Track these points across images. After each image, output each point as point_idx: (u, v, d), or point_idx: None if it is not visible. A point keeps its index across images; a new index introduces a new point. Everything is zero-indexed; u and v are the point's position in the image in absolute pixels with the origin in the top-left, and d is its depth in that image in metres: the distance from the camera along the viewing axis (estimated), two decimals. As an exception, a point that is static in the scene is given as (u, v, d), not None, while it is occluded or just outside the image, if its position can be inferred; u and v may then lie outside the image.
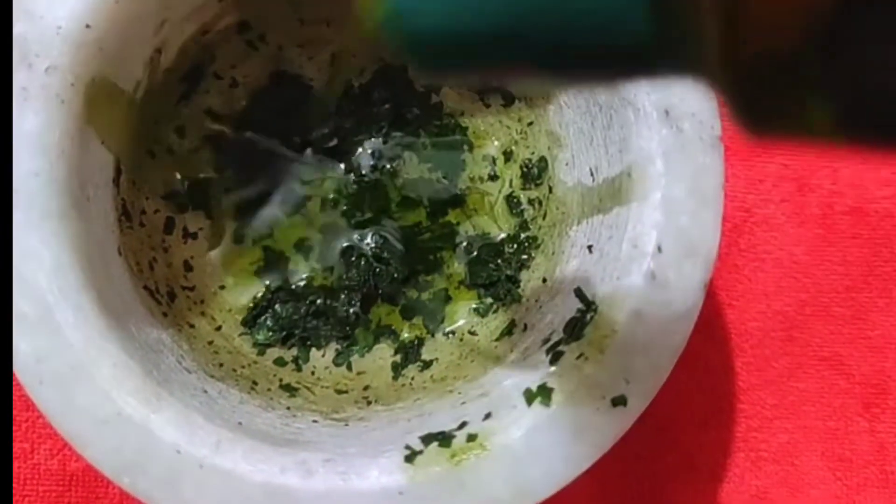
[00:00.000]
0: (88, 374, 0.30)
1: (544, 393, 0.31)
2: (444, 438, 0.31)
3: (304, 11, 0.40)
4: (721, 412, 0.46)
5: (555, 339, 0.33)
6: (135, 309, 0.34)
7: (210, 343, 0.38)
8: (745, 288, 0.47)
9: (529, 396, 0.31)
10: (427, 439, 0.31)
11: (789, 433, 0.45)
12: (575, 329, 0.32)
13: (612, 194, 0.34)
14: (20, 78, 0.30)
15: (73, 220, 0.31)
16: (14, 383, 0.39)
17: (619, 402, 0.30)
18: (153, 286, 0.37)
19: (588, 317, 0.32)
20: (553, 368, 0.31)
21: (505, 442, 0.30)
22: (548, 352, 0.33)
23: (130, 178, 0.37)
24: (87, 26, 0.31)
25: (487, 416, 0.31)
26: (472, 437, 0.30)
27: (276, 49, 0.41)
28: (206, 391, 0.33)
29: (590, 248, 0.35)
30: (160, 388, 0.30)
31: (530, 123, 0.41)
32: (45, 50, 0.30)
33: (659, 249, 0.31)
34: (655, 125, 0.31)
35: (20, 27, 0.30)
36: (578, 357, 0.31)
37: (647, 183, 0.31)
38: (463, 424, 0.31)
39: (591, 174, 0.37)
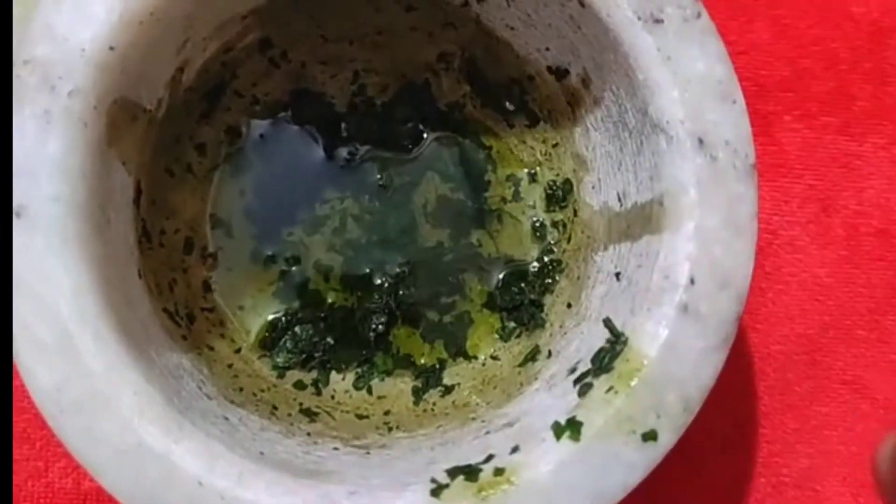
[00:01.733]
0: (109, 403, 0.29)
1: (573, 427, 0.30)
2: (470, 472, 0.30)
3: (327, 29, 0.39)
4: (743, 436, 0.45)
5: (582, 368, 0.33)
6: (155, 333, 0.34)
7: (230, 366, 0.37)
8: (769, 311, 0.46)
9: (558, 430, 0.30)
10: (453, 473, 0.30)
11: (811, 458, 0.45)
12: (604, 361, 0.32)
13: (641, 222, 0.33)
14: (42, 101, 0.29)
15: (94, 244, 0.30)
16: (23, 398, 0.39)
17: (649, 437, 0.30)
18: (173, 308, 0.37)
19: (617, 348, 0.31)
20: (582, 401, 0.31)
21: (533, 477, 0.29)
22: (575, 382, 0.32)
23: (150, 199, 0.37)
24: (111, 48, 0.30)
25: (515, 449, 0.30)
26: (499, 472, 0.30)
27: (299, 66, 0.41)
28: (226, 418, 0.33)
29: (617, 275, 0.35)
30: (182, 416, 0.30)
31: (555, 145, 0.40)
32: (69, 73, 0.30)
33: (692, 282, 0.30)
34: (689, 154, 0.31)
35: (43, 49, 0.30)
36: (608, 391, 0.30)
37: (679, 213, 0.31)
38: (490, 457, 0.30)
39: (619, 199, 0.36)
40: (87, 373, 0.29)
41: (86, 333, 0.29)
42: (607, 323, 0.32)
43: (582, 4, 0.32)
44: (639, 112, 0.33)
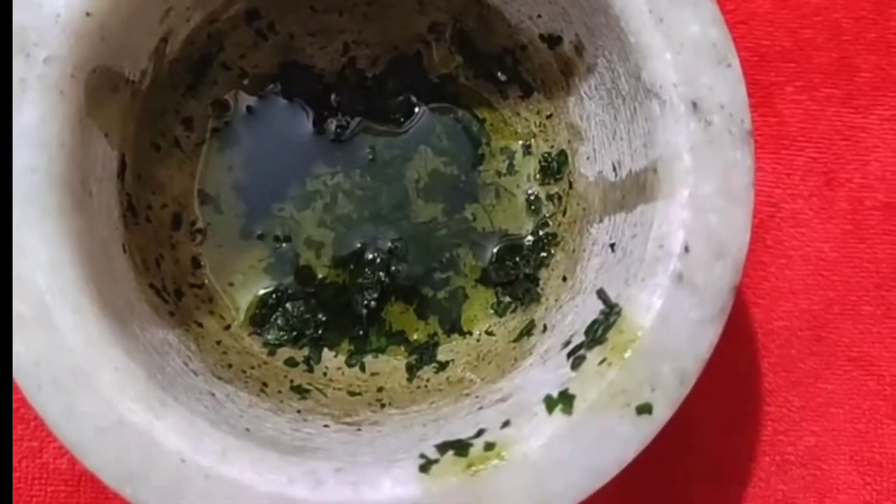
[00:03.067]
0: (89, 379, 0.28)
1: (566, 400, 0.29)
2: (460, 447, 0.29)
3: (316, -2, 0.39)
4: (746, 414, 0.44)
5: (576, 341, 0.32)
6: (139, 308, 0.33)
7: (218, 343, 0.37)
8: (772, 286, 0.45)
9: (550, 404, 0.29)
10: (443, 448, 0.29)
11: (816, 436, 0.44)
12: (597, 332, 0.31)
13: (636, 191, 0.32)
14: (18, 68, 0.29)
15: (74, 217, 0.30)
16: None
17: (643, 410, 0.29)
18: (160, 284, 0.36)
19: (611, 319, 0.30)
20: (574, 374, 0.30)
21: (524, 451, 0.29)
22: (569, 356, 0.31)
23: (136, 173, 0.36)
24: (88, 14, 0.29)
25: (506, 423, 0.29)
26: (489, 446, 0.29)
27: (287, 38, 0.40)
28: (213, 394, 0.32)
29: (612, 246, 0.34)
30: (164, 392, 0.29)
31: (549, 116, 0.39)
32: (44, 39, 0.29)
33: (686, 250, 0.29)
34: (683, 118, 0.30)
35: (17, 15, 0.29)
36: (601, 362, 0.29)
37: (673, 180, 0.30)
38: (480, 432, 0.30)
39: (614, 169, 0.35)
40: (67, 348, 0.28)
41: (65, 308, 0.29)
42: (601, 294, 0.32)
43: (572, -33, 0.31)
44: (632, 77, 0.32)
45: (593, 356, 0.30)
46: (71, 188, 0.30)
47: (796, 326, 0.44)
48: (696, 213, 0.29)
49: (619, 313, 0.30)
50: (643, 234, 0.31)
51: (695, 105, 0.30)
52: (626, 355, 0.29)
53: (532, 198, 0.40)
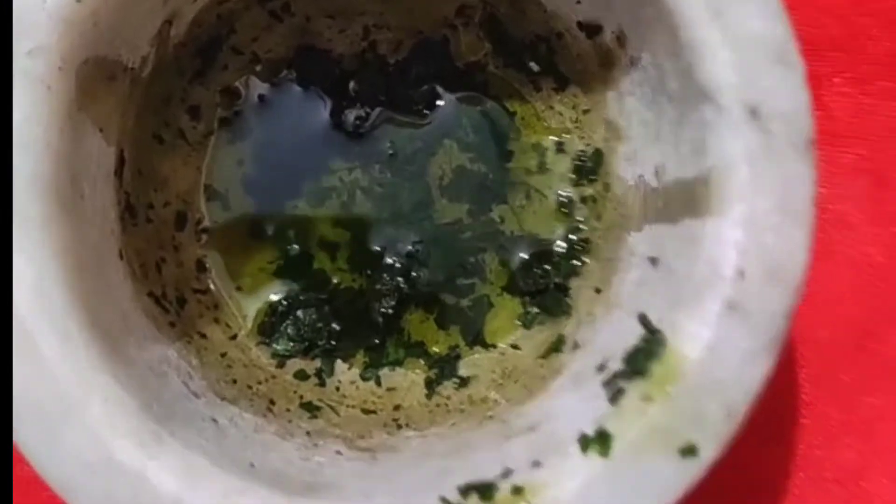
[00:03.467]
0: (76, 412, 0.26)
1: (602, 440, 0.26)
2: (485, 490, 0.26)
3: (335, -23, 0.36)
4: (782, 428, 0.41)
5: (613, 367, 0.29)
6: (136, 323, 0.30)
7: (223, 355, 0.34)
8: (814, 292, 0.41)
9: (585, 443, 0.26)
10: (466, 491, 0.26)
11: (857, 452, 0.41)
12: (637, 361, 0.28)
13: (682, 201, 0.29)
14: (-1, 61, 0.26)
15: (61, 225, 0.27)
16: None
17: (688, 452, 0.26)
18: (160, 292, 0.33)
19: (653, 349, 0.27)
20: (612, 409, 0.27)
21: (556, 497, 0.26)
22: (605, 385, 0.29)
23: (135, 169, 0.33)
24: (79, 0, 0.26)
25: (536, 463, 0.27)
26: (517, 490, 0.26)
27: (304, 20, 0.37)
28: (215, 420, 0.30)
29: (653, 260, 0.31)
30: (160, 426, 0.26)
31: (586, 111, 0.36)
32: (27, 28, 0.26)
33: (740, 274, 0.26)
34: (740, 126, 0.27)
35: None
36: (642, 398, 0.27)
37: (727, 194, 0.27)
38: (507, 473, 0.27)
39: (657, 173, 0.32)
40: (51, 376, 0.26)
41: (49, 331, 0.26)
42: (643, 319, 0.29)
43: (619, -48, 0.28)
44: (682, 76, 0.29)
45: (633, 390, 0.27)
46: (58, 193, 0.27)
47: (839, 336, 0.41)
48: (751, 232, 0.26)
49: (662, 342, 0.27)
50: (690, 253, 0.28)
51: (753, 111, 0.27)
52: (670, 390, 0.26)
53: (564, 200, 0.37)
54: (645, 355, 0.28)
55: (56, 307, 0.26)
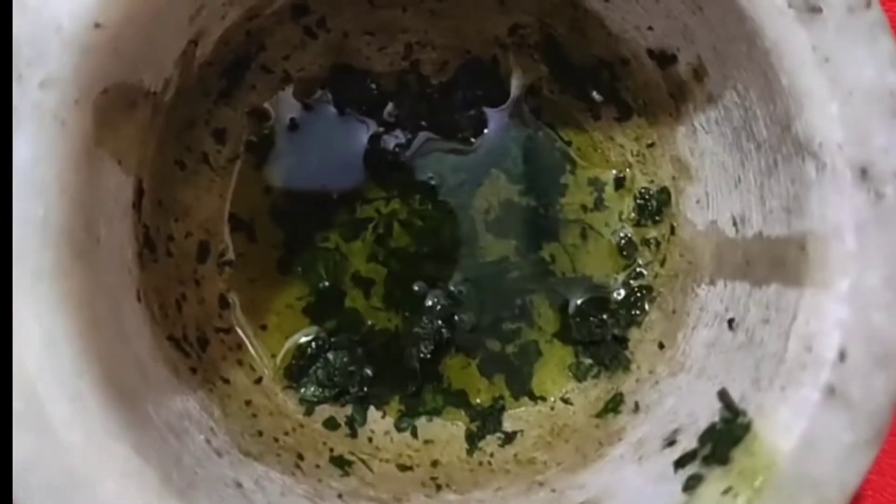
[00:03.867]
0: (89, 487, 0.23)
1: (680, 541, 0.23)
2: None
3: (376, -10, 0.32)
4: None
5: (684, 444, 0.26)
6: (155, 374, 0.27)
7: (248, 403, 0.31)
8: None
9: (658, 541, 0.23)
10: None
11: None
12: (717, 444, 0.25)
13: (769, 262, 0.26)
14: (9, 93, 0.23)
15: (75, 276, 0.24)
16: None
17: (777, 556, 0.23)
18: (180, 334, 0.30)
19: (737, 433, 0.24)
20: (688, 499, 0.24)
21: None
22: (677, 465, 0.26)
23: (155, 199, 0.30)
24: (98, 25, 0.23)
25: (599, 557, 0.24)
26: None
27: (340, 37, 0.33)
28: (239, 484, 0.27)
29: (730, 322, 0.28)
30: (181, 500, 0.23)
31: (651, 145, 0.33)
32: (40, 57, 0.23)
33: (842, 357, 0.23)
34: (847, 188, 0.23)
35: (14, 24, 0.23)
36: (725, 492, 0.24)
37: (830, 265, 0.23)
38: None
39: (735, 223, 0.29)
40: (63, 448, 0.23)
41: (60, 397, 0.23)
42: (723, 396, 0.26)
43: (710, -19, 0.25)
44: (776, 124, 0.25)
45: (714, 480, 0.24)
46: (72, 239, 0.24)
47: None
48: (857, 309, 0.23)
49: (747, 427, 0.24)
50: (781, 324, 0.25)
51: (864, 172, 0.23)
52: (757, 485, 0.23)
53: (624, 241, 0.34)
54: (726, 439, 0.25)
55: (67, 367, 0.23)
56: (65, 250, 0.24)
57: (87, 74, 0.24)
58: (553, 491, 0.28)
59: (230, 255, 0.33)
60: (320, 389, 0.33)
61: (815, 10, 0.24)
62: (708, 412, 0.26)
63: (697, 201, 0.31)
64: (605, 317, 0.33)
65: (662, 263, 0.33)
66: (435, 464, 0.32)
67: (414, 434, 0.33)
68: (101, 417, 0.23)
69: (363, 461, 0.31)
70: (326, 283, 0.34)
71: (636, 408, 0.30)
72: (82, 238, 0.24)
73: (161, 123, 0.29)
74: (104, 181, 0.26)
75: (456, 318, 0.34)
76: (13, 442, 0.23)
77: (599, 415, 0.31)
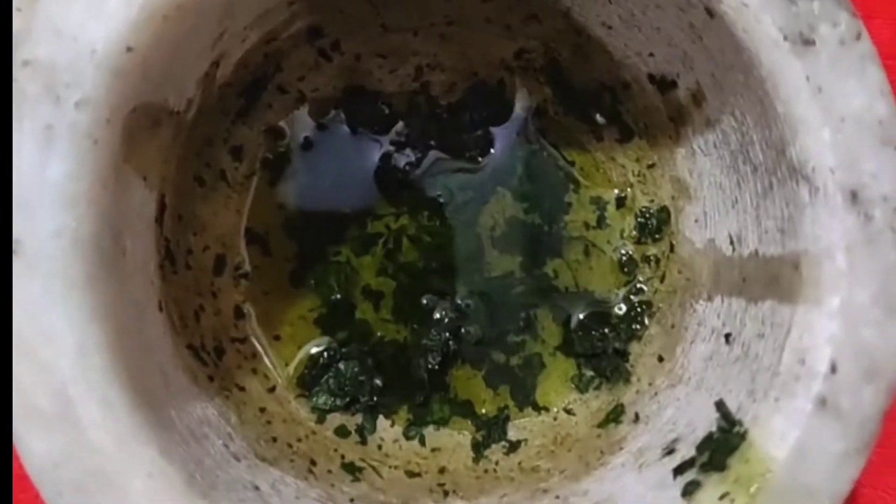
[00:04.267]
0: (117, 487, 0.24)
1: (678, 545, 0.24)
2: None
3: (388, 16, 0.33)
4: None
5: (683, 452, 0.27)
6: (176, 381, 0.28)
7: (262, 410, 0.32)
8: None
9: (658, 546, 0.25)
10: None
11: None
12: (714, 453, 0.26)
13: (764, 280, 0.27)
14: (44, 114, 0.24)
15: (105, 286, 0.25)
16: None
17: (771, 560, 0.24)
18: (198, 343, 0.31)
19: (733, 441, 0.26)
20: (686, 504, 0.25)
21: None
22: (676, 472, 0.27)
23: (176, 214, 0.31)
24: (129, 49, 0.24)
25: (603, 565, 0.25)
26: None
27: (353, 59, 0.35)
28: (257, 487, 0.28)
29: (727, 336, 0.29)
30: (204, 501, 0.25)
31: (651, 165, 0.34)
32: (76, 79, 0.24)
33: (833, 369, 0.24)
34: (838, 210, 0.25)
35: (46, 49, 0.24)
36: (722, 497, 0.25)
37: (822, 283, 0.25)
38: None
39: (732, 242, 0.30)
40: (92, 448, 0.24)
41: (91, 400, 0.24)
42: (720, 407, 0.27)
43: (710, 14, 0.26)
44: (771, 149, 0.27)
45: (711, 486, 0.25)
46: (102, 251, 0.25)
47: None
48: (847, 325, 0.24)
49: (743, 436, 0.25)
50: (776, 339, 0.26)
51: (854, 195, 0.25)
52: (753, 491, 0.25)
53: (625, 258, 0.35)
54: (723, 447, 0.26)
55: (98, 373, 0.24)
56: (95, 262, 0.25)
57: (118, 95, 0.25)
58: (557, 498, 0.30)
59: (246, 267, 0.34)
60: (331, 398, 0.34)
61: (809, 42, 0.25)
62: (706, 422, 0.27)
63: (696, 220, 0.32)
64: (606, 331, 0.34)
65: (662, 280, 0.34)
66: (442, 471, 0.33)
67: (422, 442, 0.34)
68: (129, 421, 0.25)
69: (373, 467, 0.33)
70: (338, 296, 0.35)
71: (636, 418, 0.31)
72: (110, 250, 0.26)
73: (183, 141, 0.31)
74: (130, 196, 0.27)
75: (462, 330, 0.35)
76: (37, 440, 0.24)
77: (601, 425, 0.33)
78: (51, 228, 0.24)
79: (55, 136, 0.24)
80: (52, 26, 0.24)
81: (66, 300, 0.24)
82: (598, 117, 0.35)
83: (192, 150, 0.32)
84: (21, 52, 0.24)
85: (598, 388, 0.34)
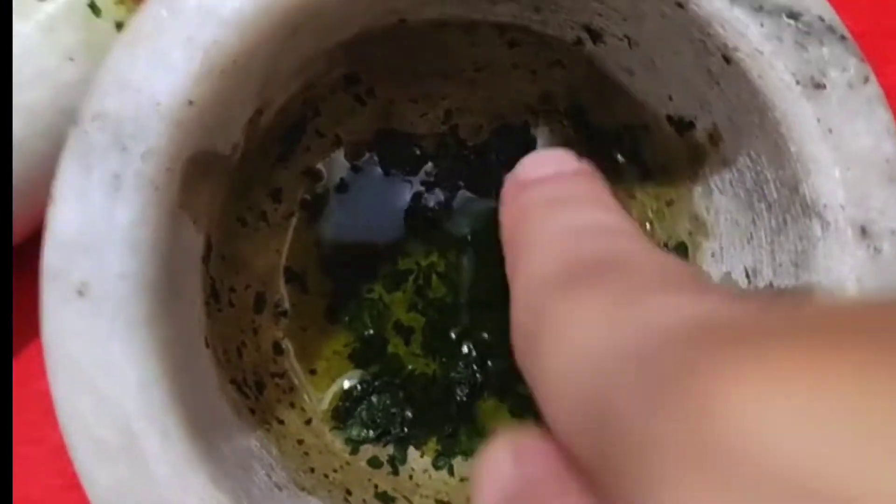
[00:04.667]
0: (174, 516, 0.25)
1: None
2: None
3: (419, 63, 0.35)
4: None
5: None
6: (221, 414, 0.30)
7: (300, 442, 0.34)
8: None
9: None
10: None
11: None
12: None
13: (781, 311, 0.29)
14: (112, 163, 0.26)
15: (163, 324, 0.27)
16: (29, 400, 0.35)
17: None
18: (240, 378, 0.33)
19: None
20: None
21: None
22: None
23: (220, 254, 0.33)
24: (191, 103, 0.26)
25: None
26: None
27: (387, 103, 0.36)
28: (300, 515, 0.29)
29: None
30: (254, 527, 0.26)
31: (669, 202, 0.36)
32: (141, 131, 0.26)
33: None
34: (849, 245, 0.26)
35: (113, 102, 0.26)
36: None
37: (837, 314, 0.26)
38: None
39: (748, 275, 0.32)
40: (151, 479, 0.25)
41: (152, 433, 0.26)
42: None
43: (727, 60, 0.28)
44: (785, 187, 0.28)
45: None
46: (161, 292, 0.27)
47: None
48: (861, 353, 0.26)
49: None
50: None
51: (863, 230, 0.26)
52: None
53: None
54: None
55: (158, 406, 0.26)
56: (154, 302, 0.27)
57: (178, 145, 0.27)
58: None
59: (285, 305, 0.36)
60: (364, 430, 0.35)
61: (820, 86, 0.27)
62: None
63: (712, 255, 0.34)
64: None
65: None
66: (470, 500, 0.34)
67: (451, 472, 0.35)
68: (185, 452, 0.26)
69: (405, 497, 0.34)
70: (371, 331, 0.36)
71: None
72: (167, 291, 0.27)
73: (227, 184, 0.32)
74: (183, 239, 0.29)
75: (489, 363, 0.36)
76: (101, 471, 0.26)
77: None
78: (117, 271, 0.26)
79: (122, 184, 0.26)
80: (118, 79, 0.26)
81: (128, 338, 0.26)
82: (619, 157, 0.36)
83: (236, 192, 0.33)
84: (90, 104, 0.26)
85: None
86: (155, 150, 0.26)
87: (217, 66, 0.26)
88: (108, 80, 0.26)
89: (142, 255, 0.26)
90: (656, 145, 0.35)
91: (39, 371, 0.26)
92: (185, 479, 0.26)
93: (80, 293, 0.25)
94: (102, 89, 0.26)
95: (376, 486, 0.34)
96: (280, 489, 0.30)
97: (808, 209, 0.27)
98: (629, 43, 0.32)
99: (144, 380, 0.26)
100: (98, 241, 0.25)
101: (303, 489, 0.31)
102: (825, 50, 0.27)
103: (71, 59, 0.34)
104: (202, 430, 0.27)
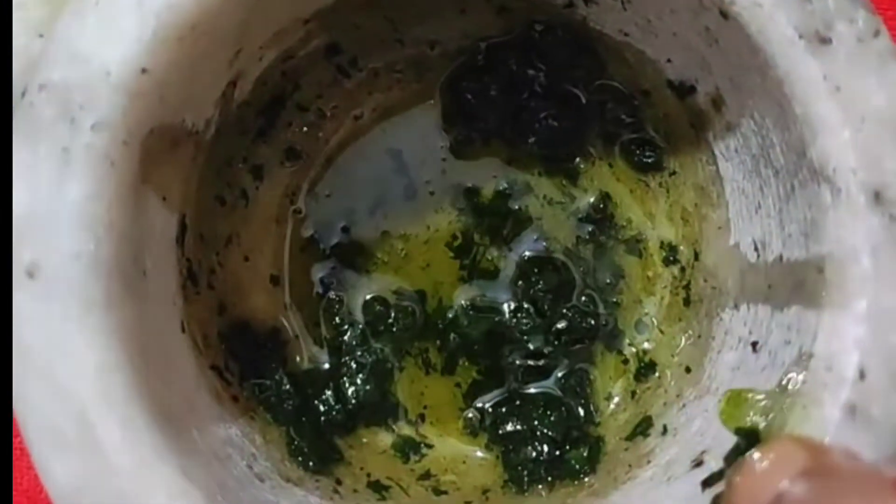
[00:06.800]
0: (138, 509, 0.24)
1: (707, 561, 0.24)
2: None
3: (404, 30, 0.33)
4: None
5: (711, 464, 0.27)
6: (200, 402, 0.29)
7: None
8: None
9: (686, 561, 0.24)
10: None
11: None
12: (741, 463, 0.25)
13: (790, 286, 0.27)
14: (60, 136, 0.24)
15: (125, 306, 0.25)
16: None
17: (801, 571, 0.24)
18: (222, 363, 0.31)
19: (761, 451, 0.25)
20: (715, 518, 0.25)
21: None
22: (704, 485, 0.26)
23: (197, 234, 0.31)
24: (144, 71, 0.24)
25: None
26: None
27: (371, 75, 0.35)
28: (281, 508, 0.28)
29: (754, 345, 0.28)
30: (226, 522, 0.25)
31: (673, 173, 0.34)
32: (91, 101, 0.24)
33: (861, 376, 0.24)
34: (862, 212, 0.24)
35: (61, 72, 0.24)
36: (751, 508, 0.24)
37: (847, 286, 0.24)
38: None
39: (756, 248, 0.30)
40: (112, 470, 0.24)
41: (111, 421, 0.24)
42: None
43: (724, 16, 0.26)
44: (792, 151, 0.26)
45: (739, 497, 0.25)
46: (122, 272, 0.25)
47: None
48: (875, 329, 0.24)
49: (771, 445, 0.25)
50: (801, 345, 0.25)
51: (877, 195, 0.24)
52: (783, 502, 0.24)
53: (650, 274, 0.35)
54: (750, 458, 0.25)
55: (118, 392, 0.24)
56: (114, 282, 0.25)
57: (135, 117, 0.25)
58: (585, 512, 0.29)
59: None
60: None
61: (825, 40, 0.25)
62: (731, 434, 0.27)
63: (719, 227, 0.32)
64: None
65: (687, 288, 0.34)
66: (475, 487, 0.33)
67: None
68: (150, 442, 0.24)
69: (399, 485, 0.32)
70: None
71: (664, 430, 0.31)
72: (130, 271, 0.26)
73: (202, 161, 0.31)
74: (150, 217, 0.27)
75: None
76: (57, 463, 0.24)
77: (629, 437, 0.32)
78: (69, 251, 0.24)
79: (71, 158, 0.24)
80: (66, 49, 0.24)
81: (85, 321, 0.24)
82: (619, 128, 0.34)
83: (213, 169, 0.32)
84: (36, 75, 0.24)
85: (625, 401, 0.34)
86: (107, 122, 0.24)
87: (173, 33, 0.25)
88: (56, 50, 0.24)
89: (97, 232, 0.24)
90: (657, 112, 0.33)
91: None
92: (150, 469, 0.24)
93: (30, 274, 0.24)
94: (50, 59, 0.24)
95: (369, 475, 0.32)
96: (262, 480, 0.29)
97: (817, 174, 0.25)
98: (622, 3, 0.30)
99: (103, 365, 0.24)
100: (47, 218, 0.24)
101: (288, 480, 0.30)
102: (830, 1, 0.25)
103: (41, 36, 0.33)
104: (173, 419, 0.26)
